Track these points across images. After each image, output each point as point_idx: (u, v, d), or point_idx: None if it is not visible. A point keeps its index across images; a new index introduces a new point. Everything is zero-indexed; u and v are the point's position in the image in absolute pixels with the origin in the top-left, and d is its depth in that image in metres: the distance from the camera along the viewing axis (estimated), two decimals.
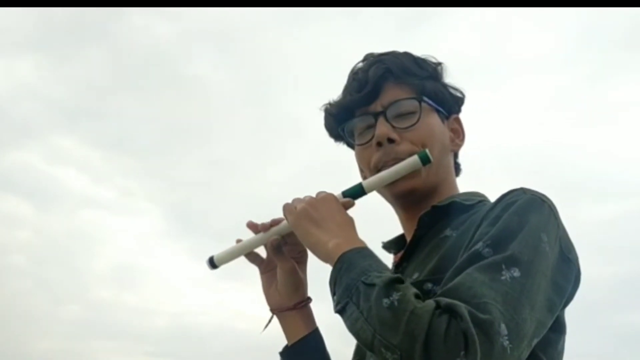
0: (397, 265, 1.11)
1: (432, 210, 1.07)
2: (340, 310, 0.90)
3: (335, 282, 0.94)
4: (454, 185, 1.16)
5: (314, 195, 1.08)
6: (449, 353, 0.78)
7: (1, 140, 6.20)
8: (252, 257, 1.19)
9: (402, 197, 1.12)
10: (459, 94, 1.18)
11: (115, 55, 6.20)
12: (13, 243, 6.28)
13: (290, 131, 6.27)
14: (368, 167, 1.13)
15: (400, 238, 1.20)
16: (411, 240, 1.09)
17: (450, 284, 0.87)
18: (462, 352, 0.78)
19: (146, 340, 6.27)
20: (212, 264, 1.18)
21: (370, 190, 1.10)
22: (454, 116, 1.17)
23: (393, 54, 1.15)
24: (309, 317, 1.20)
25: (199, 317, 6.62)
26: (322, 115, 1.21)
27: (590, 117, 5.87)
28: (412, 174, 1.07)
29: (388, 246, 1.21)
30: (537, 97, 5.86)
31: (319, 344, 1.19)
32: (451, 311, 0.81)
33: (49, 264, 6.45)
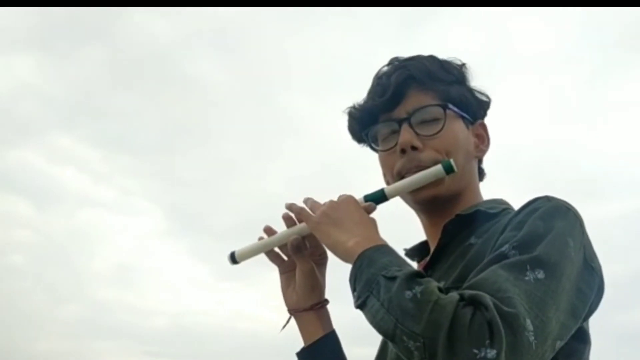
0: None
1: (456, 219, 1.08)
2: (361, 304, 0.89)
3: (355, 278, 0.93)
4: (477, 192, 1.16)
5: (335, 199, 1.07)
6: (474, 342, 0.77)
7: (1, 139, 6.20)
8: (273, 257, 1.20)
9: (425, 204, 1.12)
10: (484, 98, 1.17)
11: (115, 55, 6.20)
12: (13, 243, 6.28)
13: (289, 130, 6.27)
14: (391, 173, 1.13)
15: (423, 245, 1.19)
16: (436, 249, 1.09)
17: (474, 279, 0.86)
18: (487, 342, 0.77)
19: (146, 340, 6.27)
20: (233, 259, 1.19)
21: (392, 196, 1.10)
22: (479, 122, 1.17)
23: (418, 59, 1.14)
24: (326, 319, 1.19)
25: (199, 317, 6.63)
26: (338, 117, 1.20)
27: (590, 117, 5.88)
28: (436, 182, 1.07)
29: (411, 254, 1.20)
30: (537, 97, 5.86)
31: (336, 346, 1.18)
32: (476, 302, 0.80)
33: (48, 263, 6.46)
